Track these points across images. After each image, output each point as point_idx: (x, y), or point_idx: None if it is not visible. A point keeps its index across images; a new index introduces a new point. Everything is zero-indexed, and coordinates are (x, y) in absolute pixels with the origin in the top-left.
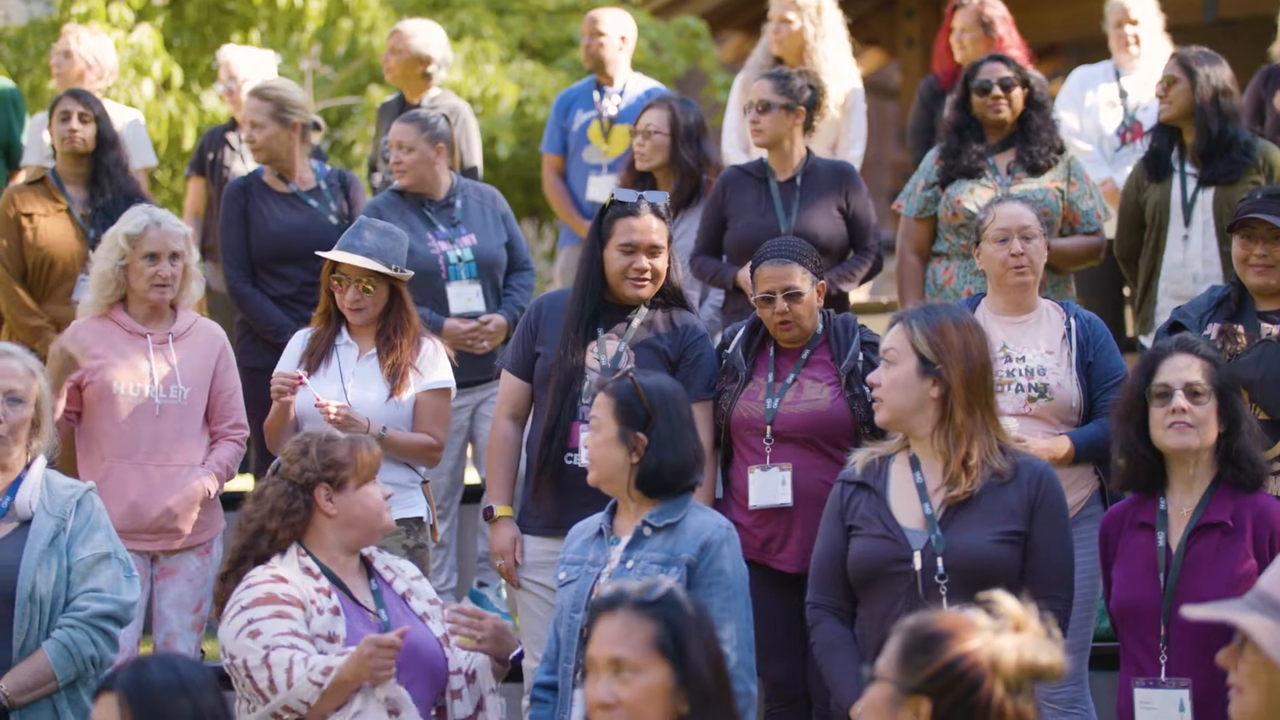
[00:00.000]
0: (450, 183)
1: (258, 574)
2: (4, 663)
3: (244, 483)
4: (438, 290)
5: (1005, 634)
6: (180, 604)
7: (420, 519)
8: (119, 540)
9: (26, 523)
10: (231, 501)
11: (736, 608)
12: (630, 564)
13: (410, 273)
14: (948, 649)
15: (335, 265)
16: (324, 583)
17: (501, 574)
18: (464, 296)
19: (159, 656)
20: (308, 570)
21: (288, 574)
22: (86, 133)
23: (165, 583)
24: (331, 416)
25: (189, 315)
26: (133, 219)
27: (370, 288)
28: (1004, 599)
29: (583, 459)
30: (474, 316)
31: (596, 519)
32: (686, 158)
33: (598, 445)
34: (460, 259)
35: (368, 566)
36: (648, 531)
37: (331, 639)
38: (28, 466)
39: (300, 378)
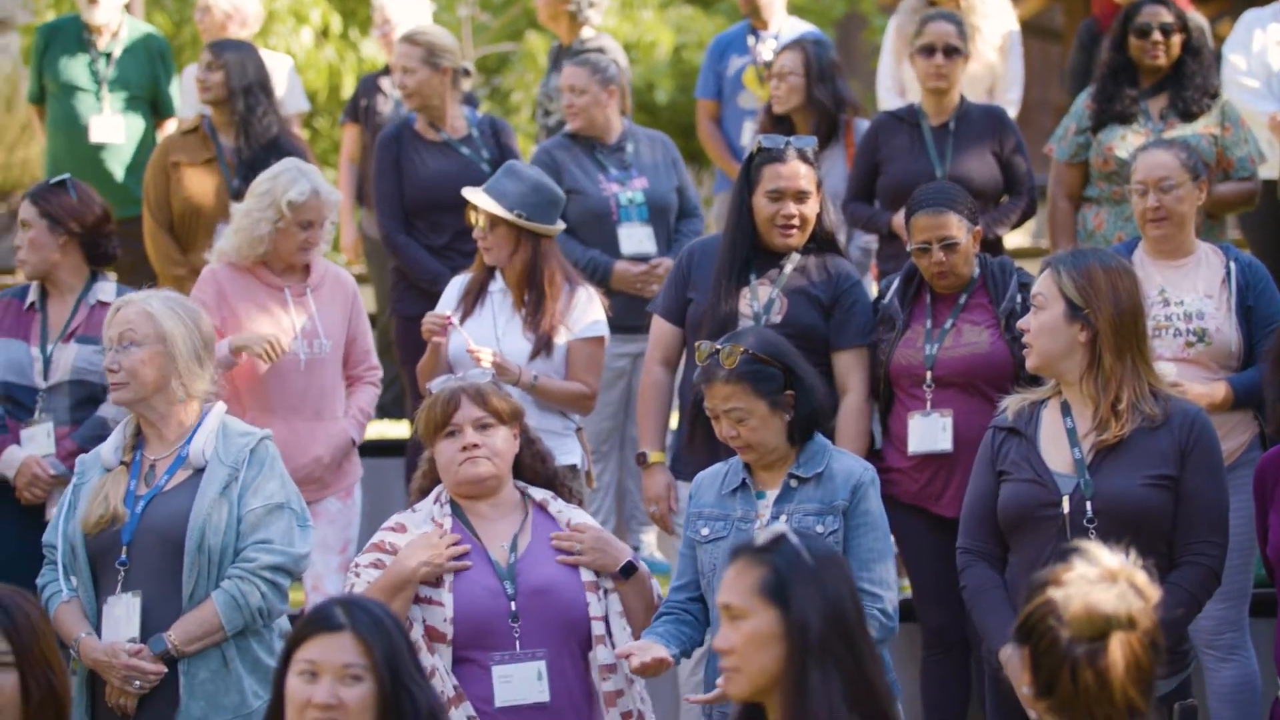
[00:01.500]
0: (621, 127)
1: (391, 519)
2: (174, 611)
3: (398, 429)
4: (608, 232)
5: (1096, 584)
6: (324, 546)
7: (574, 466)
8: (294, 489)
9: (201, 471)
10: (385, 449)
11: (884, 547)
12: (784, 517)
13: (553, 227)
14: (1033, 597)
15: (475, 206)
16: (445, 528)
17: (655, 520)
18: (635, 238)
19: (357, 598)
20: (432, 518)
21: (410, 522)
22: (212, 81)
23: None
24: (484, 365)
25: (320, 265)
26: (296, 185)
27: (497, 229)
28: (1098, 549)
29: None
30: (645, 259)
31: (721, 469)
32: (822, 98)
33: (753, 430)
34: (631, 201)
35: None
36: (794, 483)
37: (438, 584)
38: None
39: (449, 319)
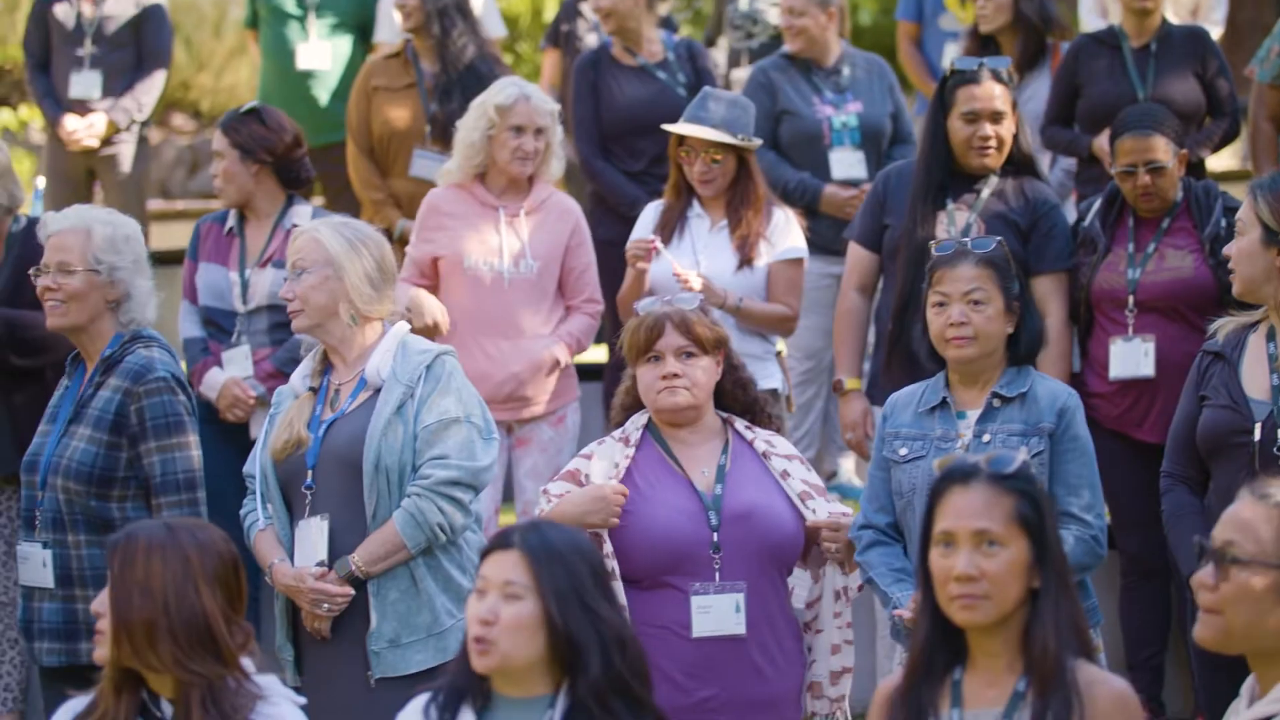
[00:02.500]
0: (839, 50)
1: (587, 448)
2: (360, 533)
3: (598, 354)
4: (820, 155)
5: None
6: (535, 474)
7: (775, 391)
8: (476, 402)
9: (380, 392)
10: (586, 373)
11: (1092, 473)
12: (986, 437)
13: (758, 141)
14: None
15: (683, 138)
16: (631, 451)
17: (851, 447)
18: (846, 163)
19: (548, 522)
20: (625, 439)
21: (600, 450)
22: (410, 6)
23: (520, 453)
24: (694, 288)
25: (544, 189)
26: (503, 90)
27: (718, 158)
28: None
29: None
30: (855, 184)
31: (917, 389)
32: (1030, 15)
33: (988, 320)
34: (845, 125)
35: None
36: (997, 403)
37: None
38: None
39: (654, 244)
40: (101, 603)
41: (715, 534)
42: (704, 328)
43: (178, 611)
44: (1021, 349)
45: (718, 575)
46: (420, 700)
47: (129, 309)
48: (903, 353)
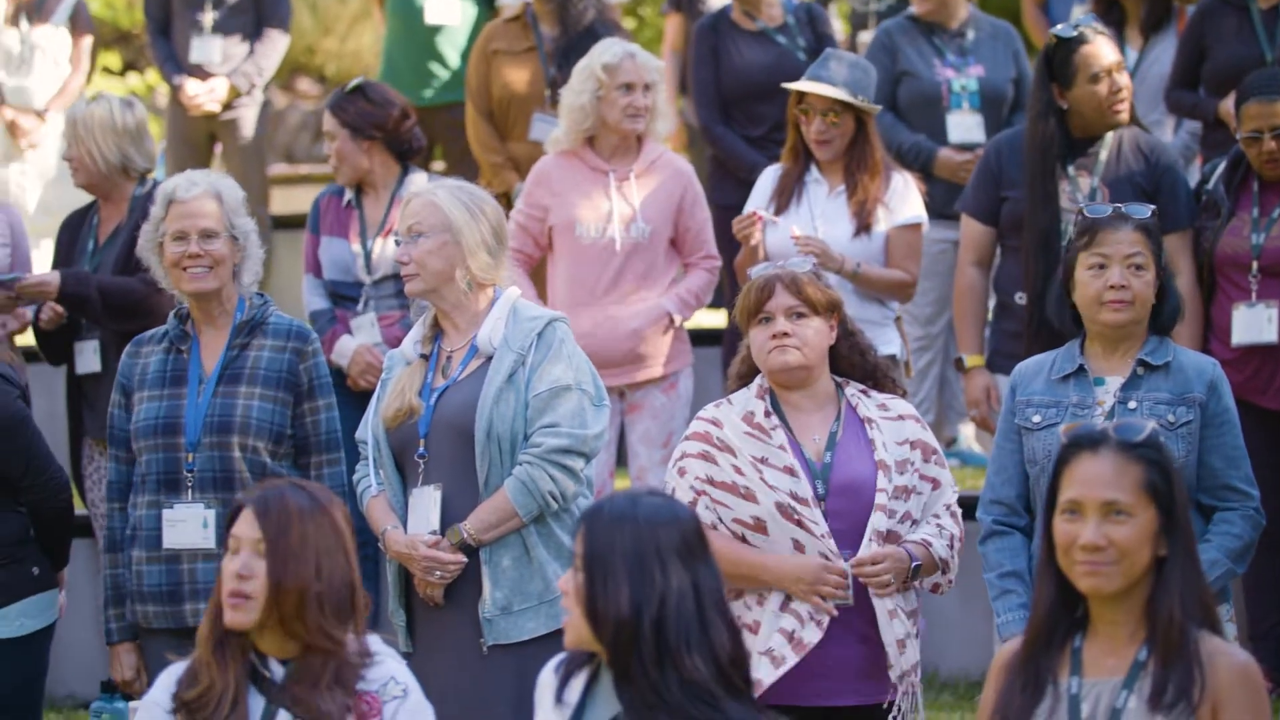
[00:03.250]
0: (966, 13)
1: (706, 410)
2: (473, 501)
3: (715, 318)
4: (937, 118)
5: None
6: (648, 439)
7: (894, 356)
8: (587, 369)
9: (491, 359)
10: (703, 338)
11: (1242, 444)
12: (1132, 404)
13: (878, 107)
14: None
15: (801, 98)
16: (757, 420)
17: (977, 423)
18: (964, 126)
19: (631, 491)
20: (747, 409)
21: (724, 415)
22: None
23: (633, 418)
24: (814, 253)
25: (654, 149)
26: (609, 49)
27: (836, 120)
28: None
29: None
30: (971, 148)
31: (1046, 358)
32: None
33: (1146, 285)
34: (964, 89)
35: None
36: (1141, 371)
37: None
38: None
39: (758, 215)
40: (248, 567)
41: (823, 504)
42: (815, 289)
43: (329, 579)
44: (1164, 318)
45: None
46: (558, 658)
47: (247, 272)
48: (1046, 334)
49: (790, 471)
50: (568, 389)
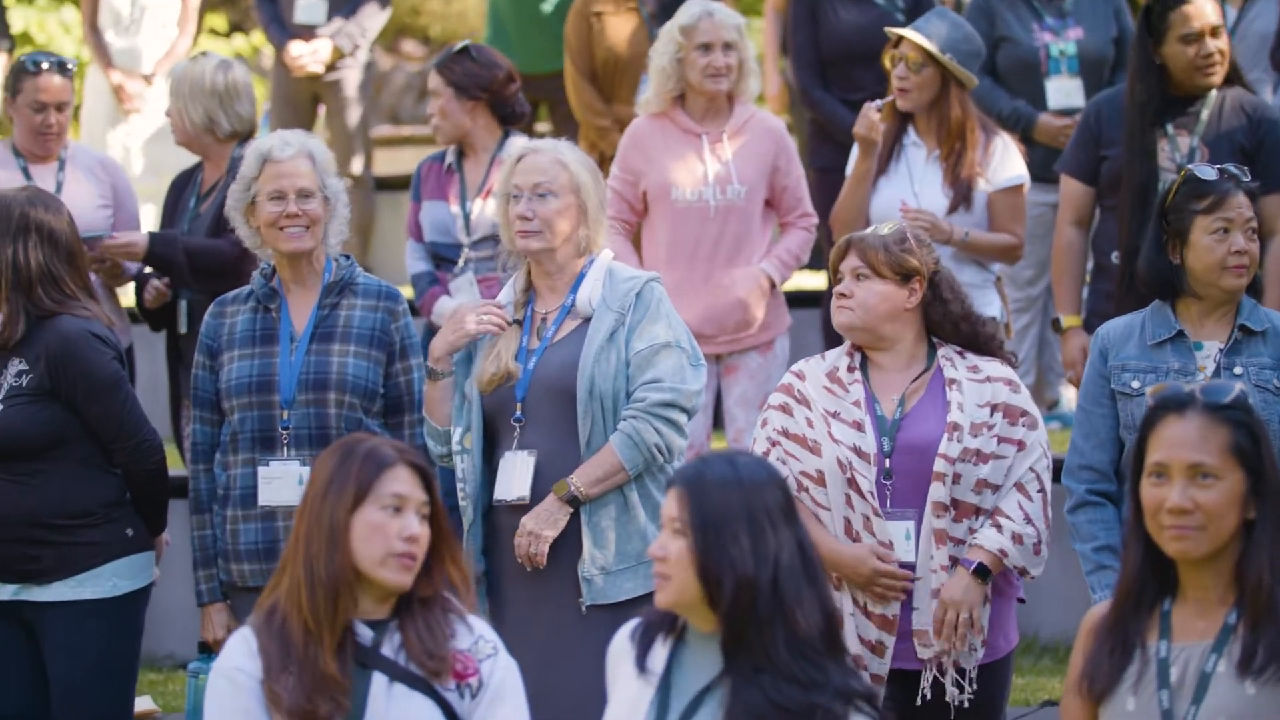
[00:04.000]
0: None
1: (797, 364)
2: (572, 463)
3: (814, 279)
4: (1035, 83)
5: None
6: (745, 401)
7: (994, 318)
8: (683, 328)
9: (589, 320)
10: (800, 299)
11: None
12: (1238, 369)
13: (969, 75)
14: None
15: (896, 45)
16: (838, 375)
17: (1073, 383)
18: (1063, 91)
19: (723, 454)
20: (833, 365)
21: (808, 370)
22: None
23: (730, 380)
24: (924, 226)
25: (746, 110)
26: (687, 9)
27: (918, 71)
28: None
29: None
30: (1070, 113)
31: (1133, 320)
32: None
33: (1257, 251)
34: (1063, 53)
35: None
36: (1240, 335)
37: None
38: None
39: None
40: (416, 528)
41: (887, 460)
42: (881, 253)
43: (454, 534)
44: (1257, 282)
45: (888, 501)
46: (629, 625)
47: (333, 233)
48: (1138, 293)
49: (858, 426)
50: (667, 346)
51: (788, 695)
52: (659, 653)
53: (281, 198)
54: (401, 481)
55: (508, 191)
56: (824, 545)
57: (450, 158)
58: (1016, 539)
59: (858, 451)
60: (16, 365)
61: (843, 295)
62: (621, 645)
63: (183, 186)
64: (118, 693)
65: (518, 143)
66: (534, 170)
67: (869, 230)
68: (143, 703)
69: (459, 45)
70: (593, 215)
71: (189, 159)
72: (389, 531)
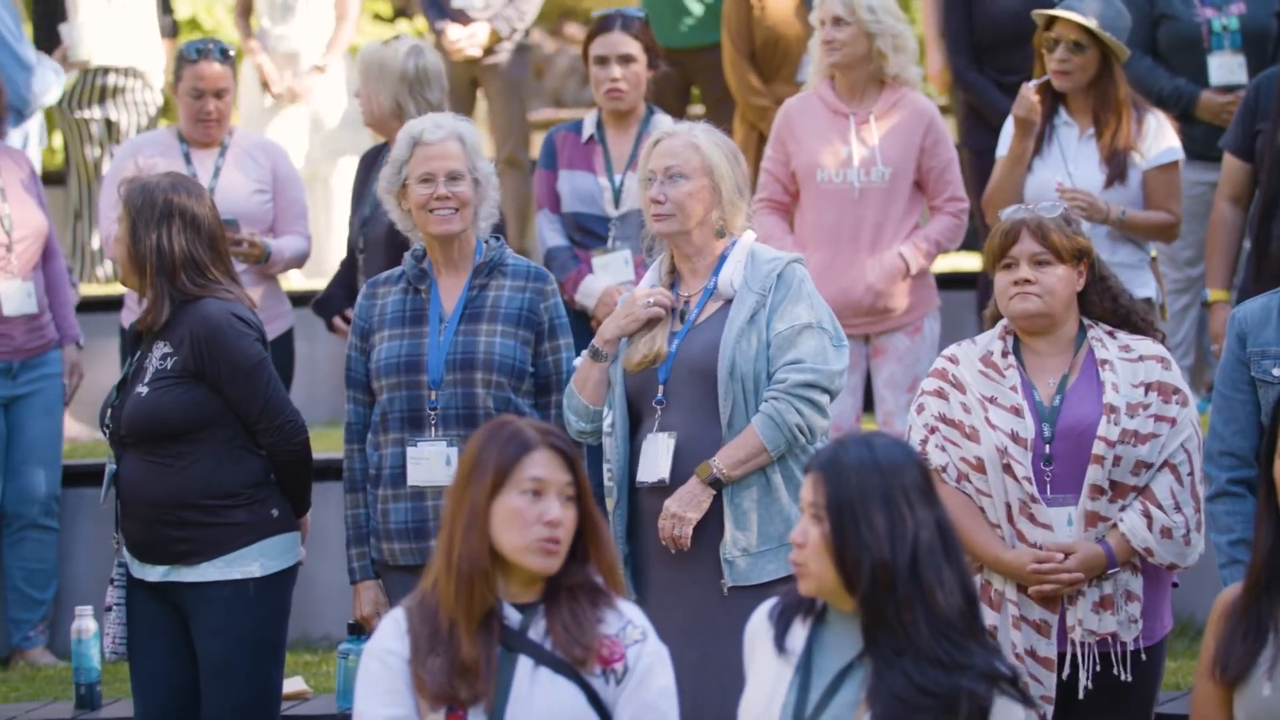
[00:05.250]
0: None
1: (950, 348)
2: (709, 444)
3: (969, 261)
4: (1198, 61)
5: None
6: (893, 383)
7: (1149, 299)
8: (825, 310)
9: (730, 302)
10: (954, 281)
11: None
12: None
13: (1126, 49)
14: None
15: (1050, 26)
16: (993, 359)
17: (1218, 356)
18: (1226, 68)
19: (860, 436)
20: (986, 349)
21: (962, 354)
22: None
23: (878, 362)
24: (1080, 205)
25: (897, 91)
26: None
27: (1079, 51)
28: None
29: None
30: (1233, 89)
31: (1268, 303)
32: None
33: None
34: (1225, 28)
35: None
36: None
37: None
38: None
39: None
40: (552, 512)
41: (1047, 446)
42: (1061, 235)
43: (602, 517)
44: None
45: (1048, 488)
46: (767, 605)
47: (484, 215)
48: (1273, 261)
49: (1016, 411)
50: (809, 327)
51: (931, 678)
52: (798, 632)
53: (431, 180)
54: (542, 465)
55: (645, 176)
56: (986, 551)
57: (590, 129)
58: (1165, 533)
59: (1014, 437)
60: (161, 349)
61: (1026, 282)
62: (760, 625)
63: (370, 165)
64: (266, 672)
65: (662, 122)
66: (667, 154)
67: (1027, 213)
68: (294, 683)
69: (608, 11)
70: (727, 197)
71: (341, 148)
72: (528, 517)
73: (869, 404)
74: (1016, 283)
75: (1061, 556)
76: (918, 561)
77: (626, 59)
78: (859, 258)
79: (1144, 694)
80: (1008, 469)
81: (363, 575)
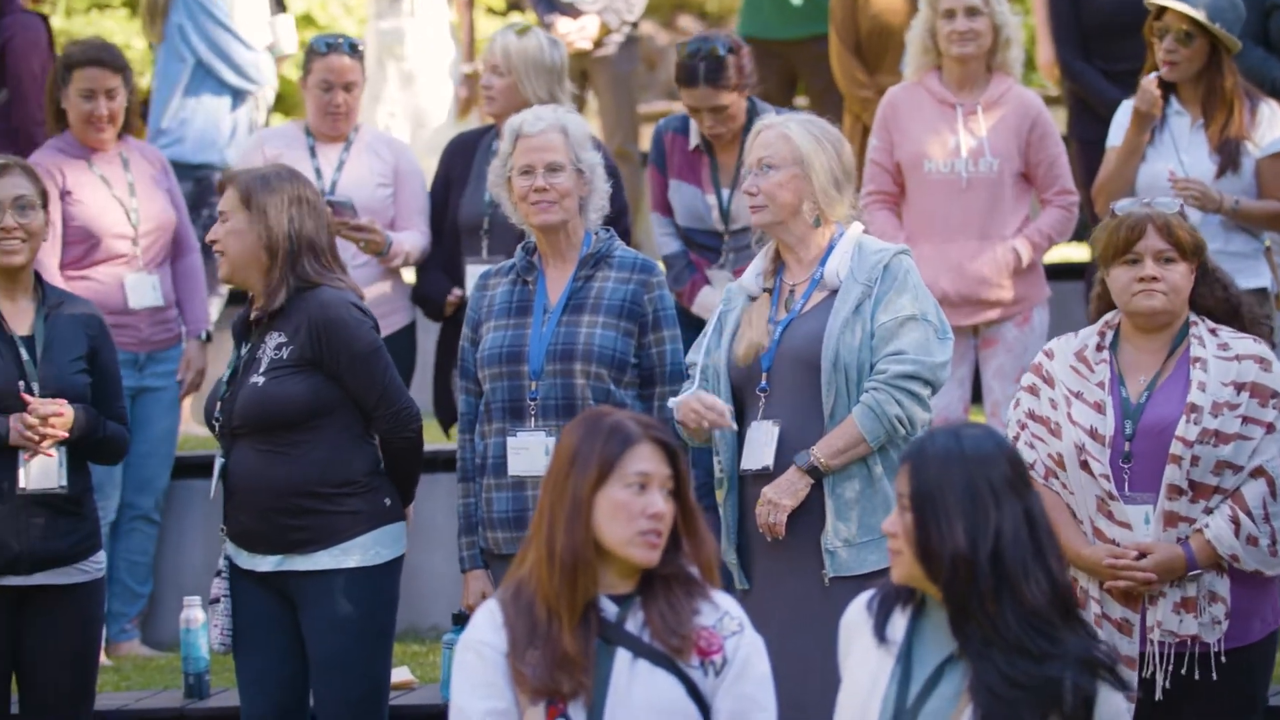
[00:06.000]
0: None
1: (1051, 341)
2: (811, 433)
3: (1079, 251)
4: None
5: None
6: (1001, 374)
7: (1264, 290)
8: (931, 301)
9: (836, 292)
10: (1064, 271)
11: None
12: None
13: (1237, 41)
14: None
15: (1160, 16)
16: (1086, 354)
17: None
18: None
19: (951, 427)
20: (1083, 344)
21: (1061, 348)
22: None
23: (987, 353)
24: (1194, 194)
25: (1003, 82)
26: None
27: (1187, 41)
28: None
29: None
30: None
31: None
32: None
33: None
34: None
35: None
36: None
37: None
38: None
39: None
40: (656, 505)
41: (1128, 443)
42: (1185, 232)
43: (700, 510)
44: None
45: (1126, 485)
46: (864, 596)
47: (593, 207)
48: None
49: (1098, 408)
50: (913, 318)
51: (1021, 669)
52: (898, 623)
53: (530, 172)
54: (646, 459)
55: (745, 170)
56: (1068, 548)
57: (696, 138)
58: (1251, 541)
59: (1093, 434)
60: (276, 338)
61: (1153, 279)
62: (857, 616)
63: (470, 150)
64: (375, 662)
65: (766, 115)
66: (760, 146)
67: (1150, 208)
68: (401, 673)
69: (693, 62)
70: (820, 187)
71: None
72: (634, 510)
73: (977, 396)
74: (1142, 279)
75: (1135, 554)
76: (1000, 554)
77: (717, 110)
78: (968, 248)
79: (1244, 695)
80: (1085, 465)
81: (471, 564)
